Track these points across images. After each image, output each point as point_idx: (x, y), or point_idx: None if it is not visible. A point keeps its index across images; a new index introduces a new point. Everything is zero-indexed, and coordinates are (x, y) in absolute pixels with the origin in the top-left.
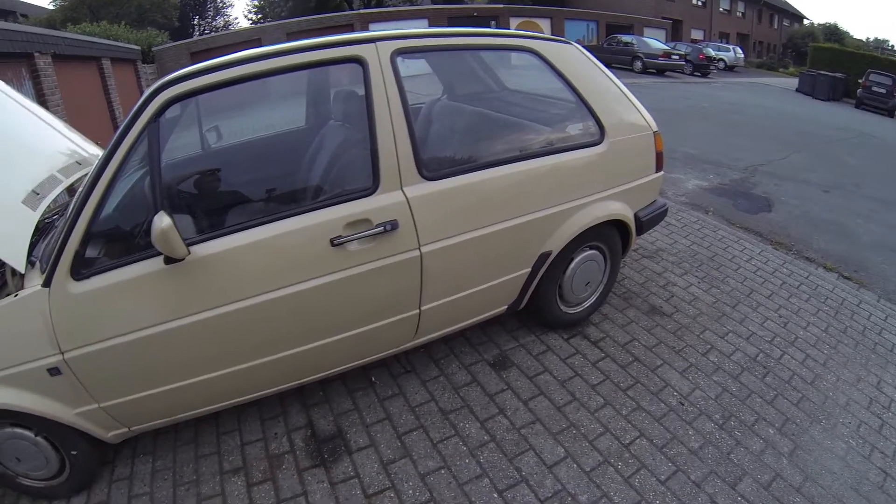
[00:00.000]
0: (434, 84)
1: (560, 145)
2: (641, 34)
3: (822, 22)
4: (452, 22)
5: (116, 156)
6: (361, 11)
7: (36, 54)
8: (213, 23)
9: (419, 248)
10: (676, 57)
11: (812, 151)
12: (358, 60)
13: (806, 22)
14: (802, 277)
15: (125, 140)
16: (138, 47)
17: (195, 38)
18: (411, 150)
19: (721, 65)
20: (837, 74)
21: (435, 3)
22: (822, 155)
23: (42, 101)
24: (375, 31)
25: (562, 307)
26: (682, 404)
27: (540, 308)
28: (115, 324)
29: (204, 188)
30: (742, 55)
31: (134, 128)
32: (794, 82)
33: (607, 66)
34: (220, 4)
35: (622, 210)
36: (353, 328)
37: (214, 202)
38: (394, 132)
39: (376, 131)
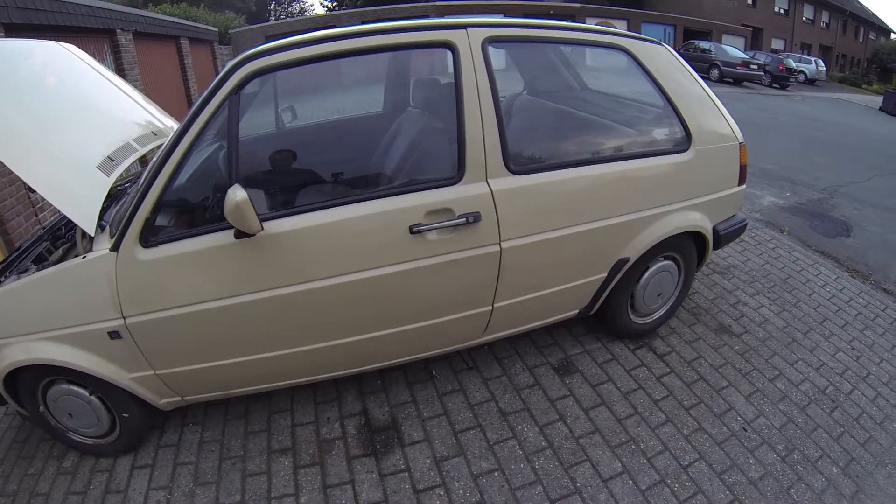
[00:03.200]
0: (512, 80)
1: (645, 150)
2: (720, 41)
3: None
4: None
5: (195, 126)
6: (437, 3)
7: (118, 30)
8: (289, 8)
9: (500, 244)
10: (755, 67)
11: (895, 175)
12: (448, 45)
13: (893, 36)
14: (879, 310)
15: (205, 110)
16: (216, 29)
17: (269, 23)
18: (499, 142)
19: (801, 77)
20: None
21: None
22: None
23: (122, 74)
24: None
25: (632, 317)
26: (745, 430)
27: (610, 316)
28: (179, 294)
29: (280, 166)
30: (824, 68)
31: (214, 98)
32: (877, 100)
33: None
34: None
35: (702, 222)
36: (424, 320)
37: (290, 180)
38: (482, 122)
39: (464, 120)
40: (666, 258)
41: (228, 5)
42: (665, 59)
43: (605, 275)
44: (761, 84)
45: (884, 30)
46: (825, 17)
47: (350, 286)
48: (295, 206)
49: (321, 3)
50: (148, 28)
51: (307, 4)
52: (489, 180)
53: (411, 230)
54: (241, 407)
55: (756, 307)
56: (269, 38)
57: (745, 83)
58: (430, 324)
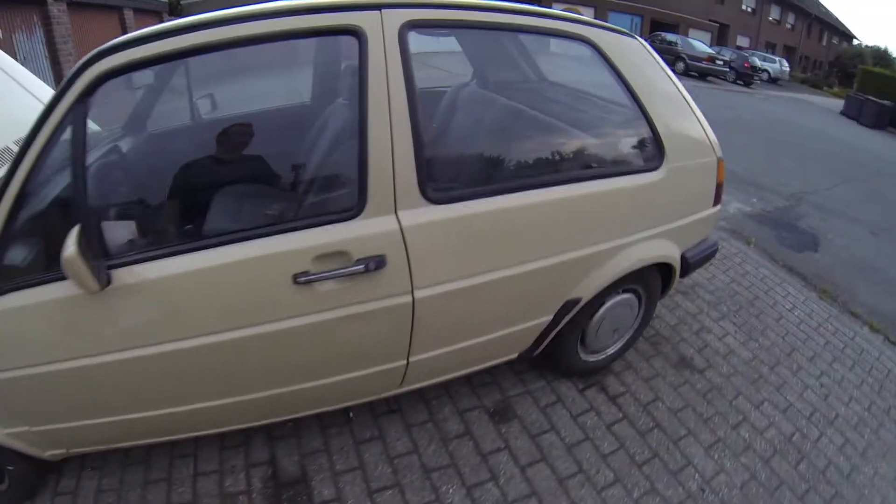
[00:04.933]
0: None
1: (609, 167)
2: (686, 34)
3: (871, 44)
4: None
5: (35, 145)
6: None
7: (49, 0)
8: None
9: (412, 293)
10: (721, 62)
11: (860, 185)
12: (353, 32)
13: (855, 42)
14: (847, 338)
15: (46, 125)
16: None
17: None
18: (414, 163)
19: (765, 76)
20: (885, 102)
21: None
22: (872, 191)
23: (53, 49)
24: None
25: (582, 355)
26: (703, 491)
27: (556, 355)
28: (26, 352)
29: (139, 194)
30: (787, 68)
31: (57, 109)
32: (837, 103)
33: None
34: None
35: (670, 251)
36: (319, 378)
37: (149, 213)
38: (392, 136)
39: (367, 133)
40: (625, 291)
41: None
42: (638, 56)
43: (551, 317)
44: (726, 80)
45: (846, 35)
46: (791, 18)
47: (223, 346)
48: (156, 249)
49: None
50: None
51: None
52: (399, 213)
53: (295, 280)
54: (141, 451)
55: (721, 335)
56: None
57: (709, 78)
58: (328, 382)
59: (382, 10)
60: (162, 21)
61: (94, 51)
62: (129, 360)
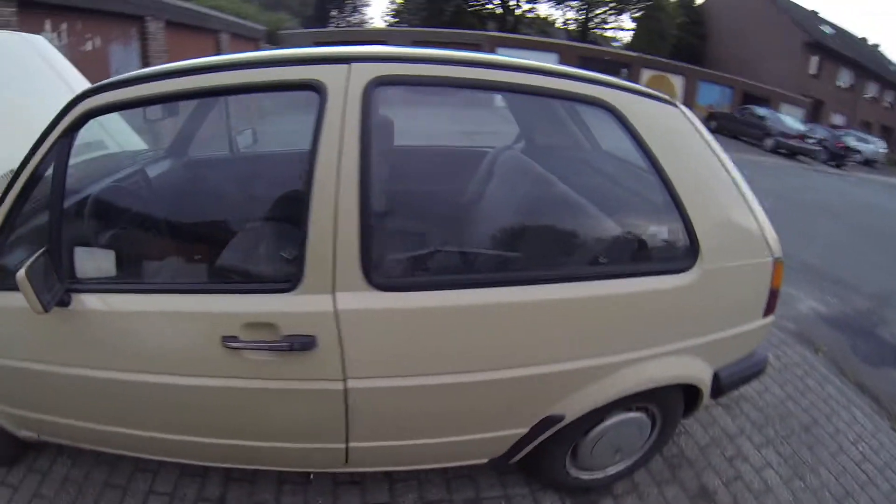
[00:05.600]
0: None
1: (618, 266)
2: (778, 109)
3: None
4: (583, 63)
5: (24, 173)
6: (491, 33)
7: (147, 17)
8: (350, 18)
9: (344, 381)
10: (812, 140)
11: None
12: (314, 87)
13: None
14: None
15: (35, 155)
16: (263, 28)
17: (320, 29)
18: (358, 240)
19: (858, 157)
20: None
21: (571, 39)
22: None
23: (146, 62)
24: (488, 56)
25: (572, 471)
26: None
27: (539, 465)
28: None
29: (102, 227)
30: (884, 150)
31: (46, 141)
32: None
33: (735, 137)
34: (359, 2)
35: (694, 371)
36: (256, 440)
37: (110, 248)
38: (336, 206)
39: (312, 200)
40: (635, 408)
41: (286, 6)
42: (674, 128)
43: (526, 430)
44: (816, 160)
45: None
46: (890, 97)
47: (155, 387)
48: (108, 284)
49: (382, 18)
50: (182, 18)
51: (367, 17)
52: (337, 294)
53: (224, 342)
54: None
55: (759, 466)
56: (316, 45)
57: (799, 157)
58: (264, 446)
59: (350, 65)
60: (257, 48)
61: (84, 89)
62: (72, 375)
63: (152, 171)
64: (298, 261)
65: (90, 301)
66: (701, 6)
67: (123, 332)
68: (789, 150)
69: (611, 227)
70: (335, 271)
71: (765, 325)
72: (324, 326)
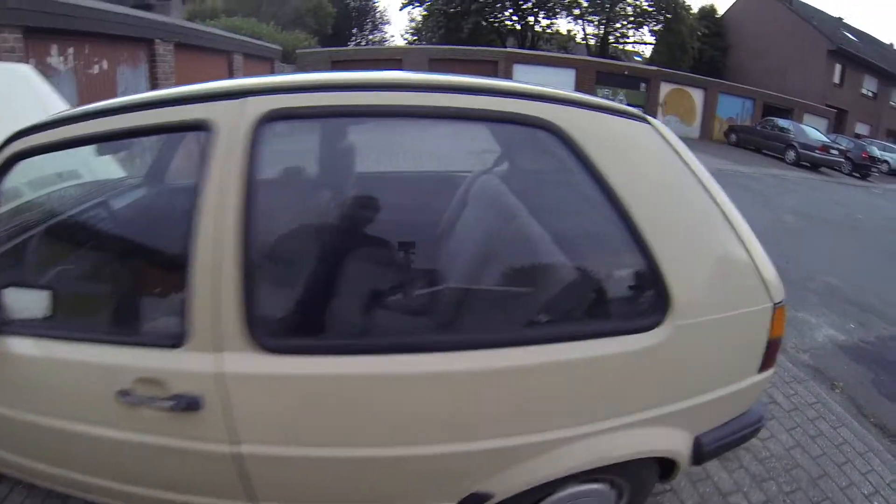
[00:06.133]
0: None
1: (564, 325)
2: (801, 120)
3: None
4: (601, 78)
5: None
6: (508, 50)
7: (157, 40)
8: (370, 36)
9: (234, 445)
10: (836, 152)
11: None
12: (202, 127)
13: None
14: None
15: None
16: (279, 47)
17: (337, 48)
18: (242, 296)
19: (884, 167)
20: None
21: (591, 55)
22: None
23: (154, 84)
24: (396, 75)
25: None
26: None
27: None
28: None
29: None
30: None
31: None
32: None
33: (757, 150)
34: (379, 20)
35: (664, 443)
36: (168, 492)
37: (27, 291)
38: (218, 258)
39: (196, 251)
40: (595, 480)
41: (304, 25)
42: (641, 150)
43: None
44: (840, 171)
45: None
46: None
47: (67, 434)
48: (20, 326)
49: (402, 36)
50: (192, 40)
51: (388, 35)
52: (223, 354)
53: (118, 395)
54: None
55: None
56: (334, 64)
57: (822, 169)
58: (177, 498)
59: (243, 100)
60: (272, 69)
61: (15, 131)
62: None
63: (76, 211)
64: (185, 316)
65: (13, 343)
66: (722, 18)
67: (34, 377)
68: (812, 162)
69: (555, 279)
70: (219, 330)
71: (761, 381)
72: (209, 387)
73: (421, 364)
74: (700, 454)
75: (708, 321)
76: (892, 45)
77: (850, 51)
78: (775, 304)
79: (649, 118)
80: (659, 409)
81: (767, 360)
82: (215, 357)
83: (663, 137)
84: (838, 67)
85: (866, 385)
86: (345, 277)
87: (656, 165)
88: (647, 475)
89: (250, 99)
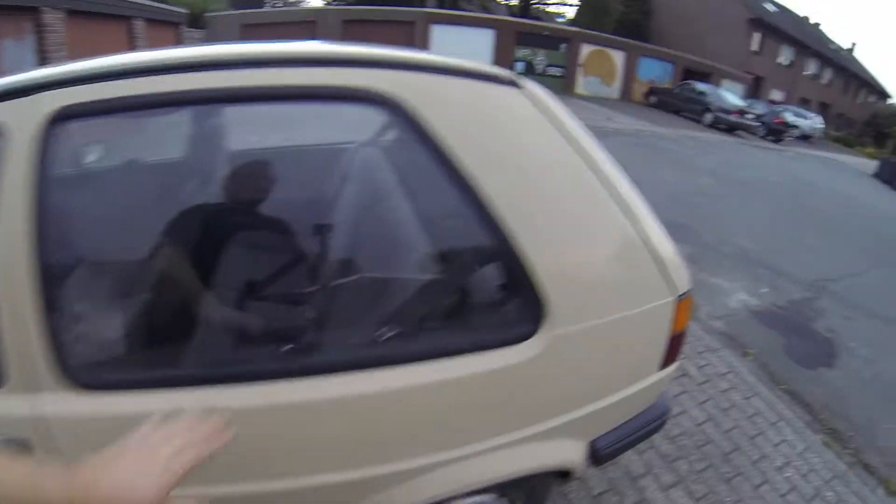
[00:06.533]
0: None
1: (418, 343)
2: (719, 85)
3: None
4: (522, 39)
5: None
6: (425, 10)
7: (44, 8)
8: None
9: None
10: (751, 116)
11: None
12: None
13: (890, 101)
14: None
15: None
16: (183, 10)
17: (249, 10)
18: (43, 325)
19: (796, 132)
20: None
21: (512, 16)
22: None
23: (44, 58)
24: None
25: None
26: None
27: None
28: None
29: None
30: (821, 125)
31: None
32: (870, 164)
33: (676, 113)
34: None
35: (548, 458)
36: None
37: None
38: (12, 285)
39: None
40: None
41: None
42: (508, 122)
43: None
44: (755, 135)
45: (883, 94)
46: (828, 74)
47: None
48: None
49: None
50: (85, 6)
51: None
52: (42, 394)
53: None
54: None
55: None
56: (245, 28)
57: (738, 132)
58: None
59: (28, 98)
60: (177, 35)
61: None
62: None
63: None
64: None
65: None
66: None
67: None
68: (728, 125)
69: (404, 288)
70: (31, 368)
71: (663, 378)
72: (34, 430)
73: (255, 396)
74: (596, 458)
75: (595, 326)
76: (808, 18)
77: (769, 21)
78: (678, 296)
79: (521, 81)
80: (544, 424)
81: (670, 356)
82: (32, 399)
83: (538, 105)
84: (757, 36)
85: (778, 351)
86: (172, 297)
87: (526, 140)
88: (540, 484)
89: (43, 95)
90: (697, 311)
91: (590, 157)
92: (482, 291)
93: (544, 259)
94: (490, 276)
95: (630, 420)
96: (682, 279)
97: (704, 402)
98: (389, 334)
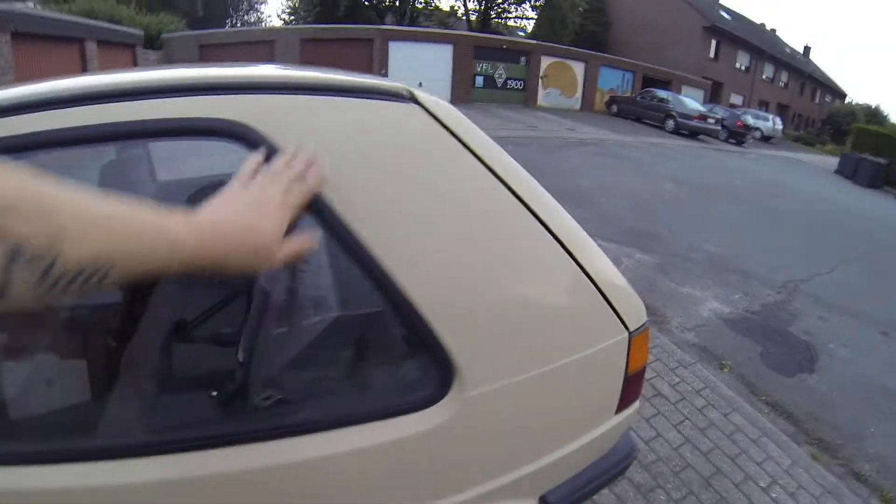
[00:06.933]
0: None
1: (321, 410)
2: (679, 92)
3: (863, 102)
4: (480, 53)
5: None
6: (383, 27)
7: None
8: (246, 17)
9: None
10: (712, 121)
11: (864, 263)
12: None
13: (847, 100)
14: None
15: None
16: (139, 32)
17: (206, 31)
18: None
19: (757, 134)
20: (881, 160)
21: (471, 31)
22: (877, 270)
23: None
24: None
25: None
26: None
27: None
28: None
29: None
30: (781, 126)
31: None
32: (831, 161)
33: (638, 120)
34: (256, 1)
35: None
36: None
37: None
38: None
39: None
40: None
41: (174, 8)
42: (402, 149)
43: None
44: (717, 139)
45: (839, 93)
46: (784, 77)
47: None
48: None
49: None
50: (32, 28)
51: (264, 15)
52: None
53: None
54: None
55: None
56: (202, 48)
57: (700, 136)
58: None
59: None
60: (134, 57)
61: None
62: None
63: None
64: None
65: None
66: None
67: None
68: (690, 130)
69: (284, 344)
70: None
71: (622, 422)
72: None
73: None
74: None
75: (520, 381)
76: (763, 25)
77: (724, 28)
78: (632, 332)
79: (419, 94)
80: (472, 491)
81: (628, 397)
82: None
83: (440, 123)
84: (714, 43)
85: (755, 360)
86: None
87: (423, 164)
88: None
89: None
90: (668, 323)
91: (509, 179)
92: (377, 351)
93: (445, 309)
94: (382, 333)
95: (588, 468)
96: (636, 312)
97: (680, 422)
98: (268, 403)
